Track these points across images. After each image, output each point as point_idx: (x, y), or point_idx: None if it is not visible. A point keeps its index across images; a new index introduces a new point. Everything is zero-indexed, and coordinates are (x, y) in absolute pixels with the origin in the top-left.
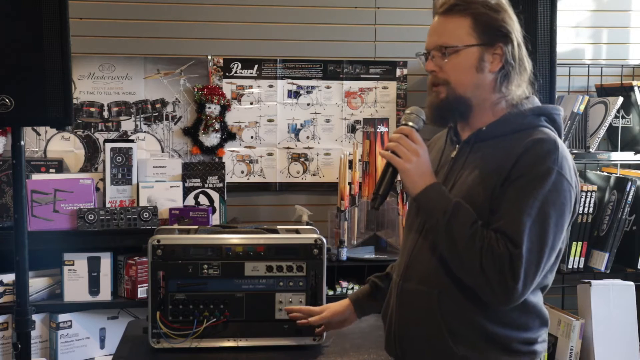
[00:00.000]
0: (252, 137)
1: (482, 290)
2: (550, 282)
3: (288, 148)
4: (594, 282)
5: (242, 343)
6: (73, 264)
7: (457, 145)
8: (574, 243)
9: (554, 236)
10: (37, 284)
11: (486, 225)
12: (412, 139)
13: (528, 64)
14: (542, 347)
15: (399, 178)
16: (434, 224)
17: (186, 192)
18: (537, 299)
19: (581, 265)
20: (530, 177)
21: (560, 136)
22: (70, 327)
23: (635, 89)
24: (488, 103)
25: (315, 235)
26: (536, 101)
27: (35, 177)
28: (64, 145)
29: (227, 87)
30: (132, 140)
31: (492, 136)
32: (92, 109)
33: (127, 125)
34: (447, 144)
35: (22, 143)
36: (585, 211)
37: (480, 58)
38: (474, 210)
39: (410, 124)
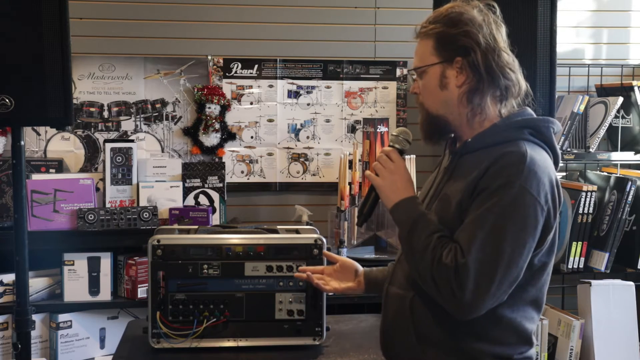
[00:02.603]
0: (252, 137)
1: (438, 300)
2: (539, 296)
3: (288, 148)
4: (594, 282)
5: (242, 343)
6: (73, 264)
7: (450, 156)
8: (574, 243)
9: (512, 250)
10: (37, 284)
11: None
12: (391, 158)
13: (505, 70)
14: None
15: None
16: (400, 237)
17: (186, 192)
18: (517, 314)
19: (581, 265)
20: (491, 190)
21: (550, 148)
22: (70, 327)
23: (635, 89)
24: (464, 117)
25: (315, 235)
26: (527, 112)
27: (35, 177)
28: (64, 145)
29: (227, 87)
30: (132, 140)
31: (476, 147)
32: (92, 109)
33: (127, 125)
34: (446, 154)
35: (22, 143)
36: (585, 211)
37: (442, 75)
38: (448, 222)
39: (397, 146)
